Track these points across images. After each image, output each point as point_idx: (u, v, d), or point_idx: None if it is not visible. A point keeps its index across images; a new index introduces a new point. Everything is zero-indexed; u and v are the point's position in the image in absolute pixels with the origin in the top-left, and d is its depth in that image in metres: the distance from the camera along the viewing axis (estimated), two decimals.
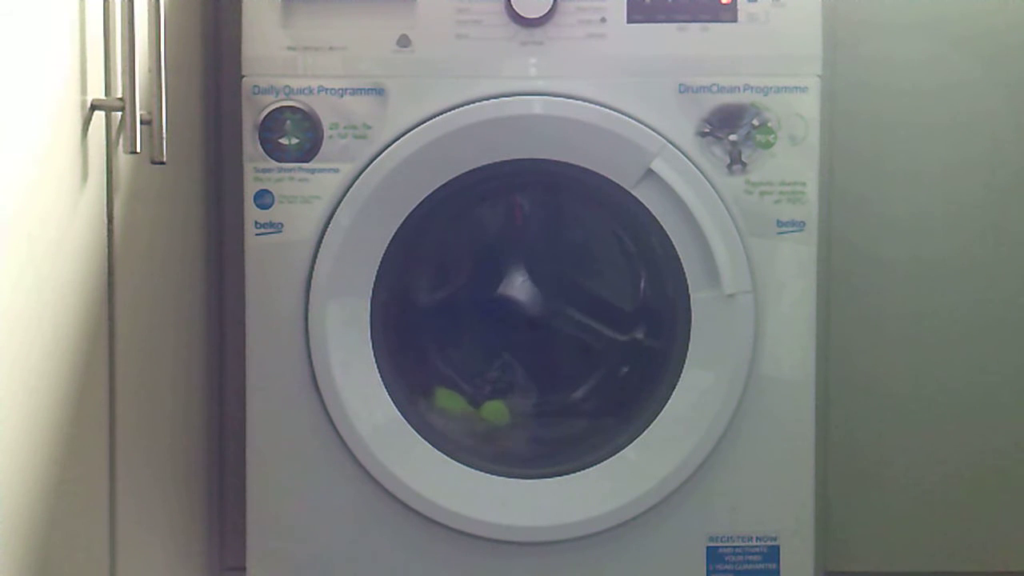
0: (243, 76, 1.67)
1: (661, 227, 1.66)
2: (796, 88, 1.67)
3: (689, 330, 1.67)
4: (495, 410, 1.81)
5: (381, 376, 1.68)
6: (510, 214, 1.85)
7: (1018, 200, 1.82)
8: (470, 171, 1.66)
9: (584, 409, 1.83)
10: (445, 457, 1.69)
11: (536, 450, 1.82)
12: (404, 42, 1.66)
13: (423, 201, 1.66)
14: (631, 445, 1.69)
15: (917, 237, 1.81)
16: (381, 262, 1.67)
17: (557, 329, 1.84)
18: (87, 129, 1.25)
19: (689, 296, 1.67)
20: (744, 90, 1.66)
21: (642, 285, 1.81)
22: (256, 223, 1.67)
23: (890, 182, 1.81)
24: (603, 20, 1.66)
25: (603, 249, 1.84)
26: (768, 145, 1.67)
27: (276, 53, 1.66)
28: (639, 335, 1.81)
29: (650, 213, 1.66)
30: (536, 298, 1.83)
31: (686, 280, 1.67)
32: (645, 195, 1.66)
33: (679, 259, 1.66)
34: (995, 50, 1.81)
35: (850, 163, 1.80)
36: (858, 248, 1.80)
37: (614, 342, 1.82)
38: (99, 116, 1.28)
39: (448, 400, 1.80)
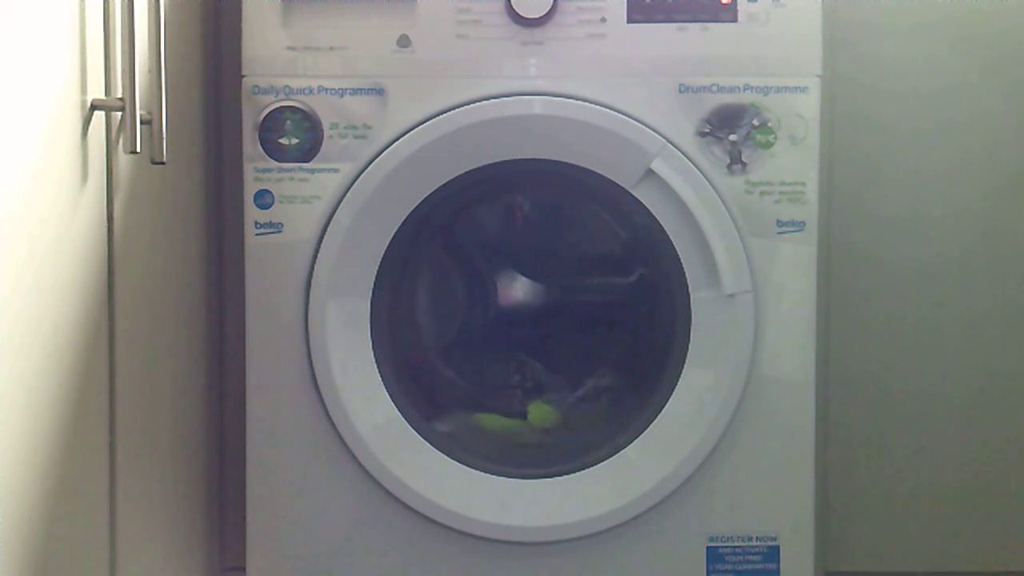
0: (243, 76, 1.67)
1: (661, 227, 1.66)
2: (796, 88, 1.67)
3: (689, 330, 1.67)
4: (542, 413, 1.81)
5: (381, 376, 1.68)
6: (510, 214, 1.85)
7: (1017, 201, 1.82)
8: (470, 171, 1.66)
9: (585, 408, 1.82)
10: (445, 457, 1.69)
11: (536, 449, 1.82)
12: (404, 42, 1.66)
13: (423, 201, 1.66)
14: (631, 445, 1.69)
15: (917, 237, 1.81)
16: (381, 262, 1.67)
17: (557, 327, 1.84)
18: (87, 129, 1.25)
19: (689, 296, 1.67)
20: (744, 90, 1.66)
21: (641, 284, 1.81)
22: (256, 223, 1.67)
23: (890, 183, 1.81)
24: (603, 20, 1.66)
25: (603, 249, 1.84)
26: (768, 145, 1.67)
27: (276, 53, 1.66)
28: (643, 272, 1.80)
29: (650, 213, 1.66)
30: (536, 297, 1.83)
31: (686, 280, 1.67)
32: (645, 195, 1.66)
33: (679, 259, 1.66)
34: (994, 52, 1.81)
35: (850, 163, 1.80)
36: (858, 248, 1.81)
37: (614, 340, 1.83)
38: (99, 116, 1.28)
39: (491, 421, 1.80)
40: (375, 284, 1.67)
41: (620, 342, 1.83)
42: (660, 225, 1.66)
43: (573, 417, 1.83)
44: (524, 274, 1.83)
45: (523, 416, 1.81)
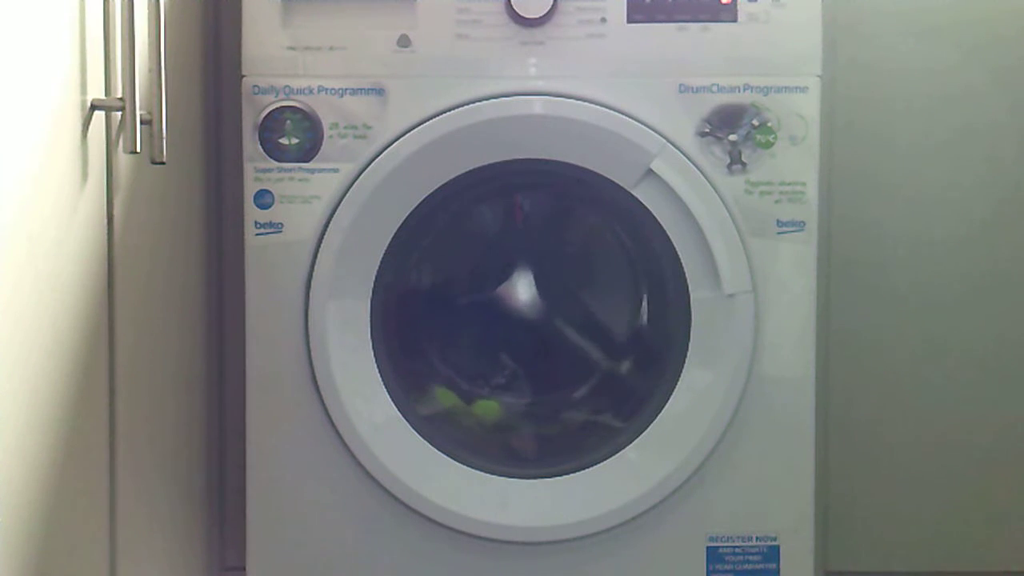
0: (243, 76, 1.67)
1: (661, 227, 1.66)
2: (796, 88, 1.67)
3: (689, 330, 1.67)
4: (487, 407, 1.81)
5: (381, 376, 1.68)
6: (510, 214, 1.85)
7: (1019, 198, 1.82)
8: (470, 171, 1.66)
9: (584, 409, 1.82)
10: (445, 457, 1.69)
11: (536, 449, 1.82)
12: (404, 42, 1.66)
13: (423, 201, 1.66)
14: (631, 445, 1.69)
15: (918, 235, 1.81)
16: (381, 262, 1.67)
17: (556, 329, 1.84)
18: (87, 129, 1.25)
19: (689, 296, 1.67)
20: (744, 90, 1.66)
21: (641, 285, 1.81)
22: (256, 223, 1.67)
23: (890, 180, 1.81)
24: (603, 20, 1.66)
25: (603, 249, 1.84)
26: (768, 145, 1.67)
27: (276, 53, 1.66)
28: (640, 331, 1.81)
29: (650, 213, 1.66)
30: (536, 298, 1.83)
31: (686, 280, 1.67)
32: (645, 195, 1.66)
33: (679, 259, 1.66)
34: (995, 48, 1.80)
35: (850, 161, 1.80)
36: (858, 247, 1.80)
37: (614, 340, 1.83)
38: (99, 116, 1.28)
39: (442, 396, 1.80)
40: (375, 284, 1.67)
41: (620, 343, 1.83)
42: (660, 225, 1.66)
43: (529, 425, 1.83)
44: (523, 274, 1.83)
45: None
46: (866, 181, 1.80)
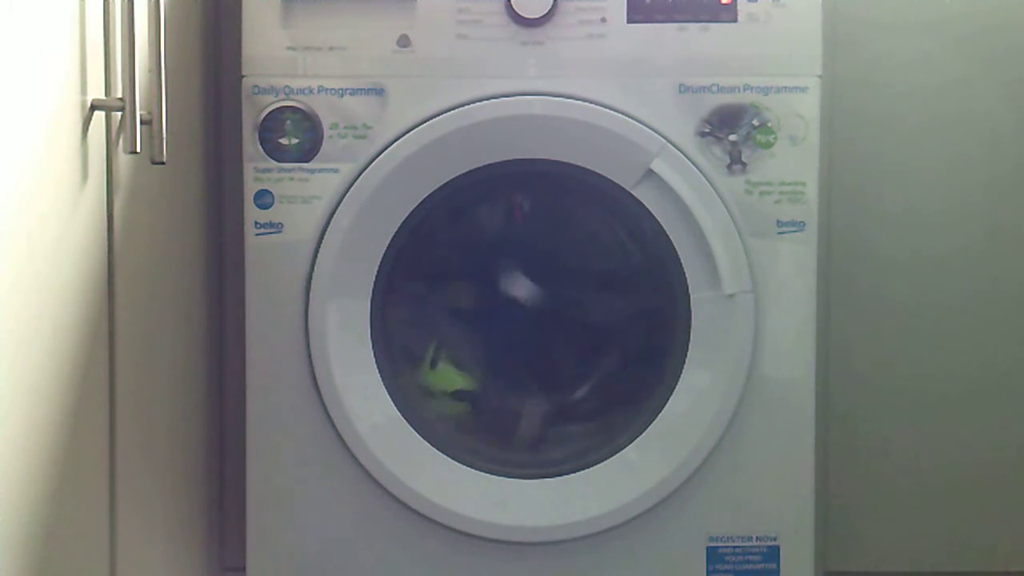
0: (243, 76, 1.67)
1: (661, 227, 1.66)
2: (796, 88, 1.67)
3: (689, 330, 1.67)
4: (446, 377, 1.80)
5: (381, 376, 1.68)
6: (510, 214, 1.85)
7: (1017, 198, 1.82)
8: (470, 171, 1.66)
9: (585, 409, 1.82)
10: (445, 457, 1.69)
11: (536, 449, 1.82)
12: (404, 42, 1.66)
13: (423, 201, 1.66)
14: (631, 445, 1.69)
15: (918, 235, 1.81)
16: (381, 262, 1.67)
17: (556, 330, 1.84)
18: (87, 129, 1.25)
19: (689, 296, 1.67)
20: (744, 90, 1.66)
21: (641, 285, 1.81)
22: (256, 223, 1.67)
23: (890, 181, 1.81)
24: (603, 20, 1.66)
25: (602, 249, 1.84)
26: (768, 145, 1.67)
27: (276, 53, 1.66)
28: (638, 333, 1.81)
29: (650, 213, 1.66)
30: (535, 297, 1.83)
31: (686, 280, 1.67)
32: (645, 195, 1.66)
33: (679, 259, 1.66)
34: (994, 48, 1.81)
35: (850, 162, 1.80)
36: (858, 246, 1.81)
37: (614, 340, 1.83)
38: (99, 116, 1.28)
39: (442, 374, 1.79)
40: (375, 284, 1.67)
41: (620, 343, 1.83)
42: (660, 225, 1.66)
43: (568, 417, 1.83)
44: (523, 274, 1.83)
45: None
46: (866, 181, 1.80)
